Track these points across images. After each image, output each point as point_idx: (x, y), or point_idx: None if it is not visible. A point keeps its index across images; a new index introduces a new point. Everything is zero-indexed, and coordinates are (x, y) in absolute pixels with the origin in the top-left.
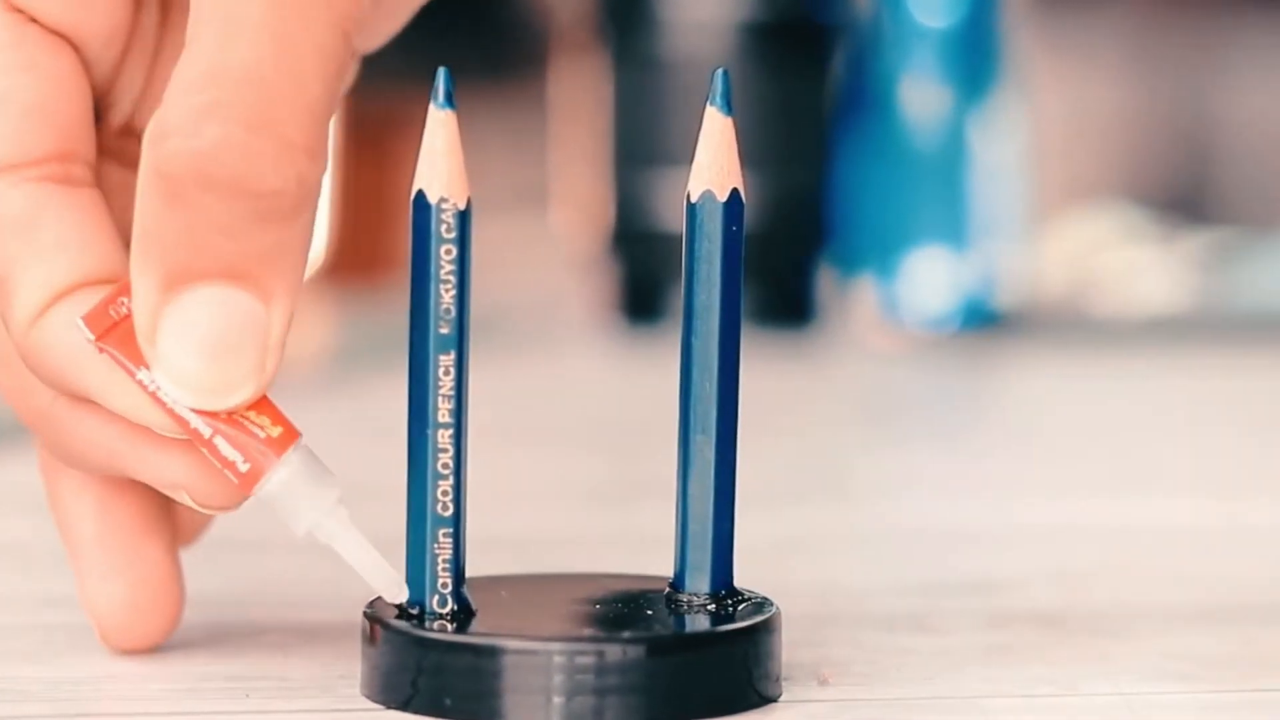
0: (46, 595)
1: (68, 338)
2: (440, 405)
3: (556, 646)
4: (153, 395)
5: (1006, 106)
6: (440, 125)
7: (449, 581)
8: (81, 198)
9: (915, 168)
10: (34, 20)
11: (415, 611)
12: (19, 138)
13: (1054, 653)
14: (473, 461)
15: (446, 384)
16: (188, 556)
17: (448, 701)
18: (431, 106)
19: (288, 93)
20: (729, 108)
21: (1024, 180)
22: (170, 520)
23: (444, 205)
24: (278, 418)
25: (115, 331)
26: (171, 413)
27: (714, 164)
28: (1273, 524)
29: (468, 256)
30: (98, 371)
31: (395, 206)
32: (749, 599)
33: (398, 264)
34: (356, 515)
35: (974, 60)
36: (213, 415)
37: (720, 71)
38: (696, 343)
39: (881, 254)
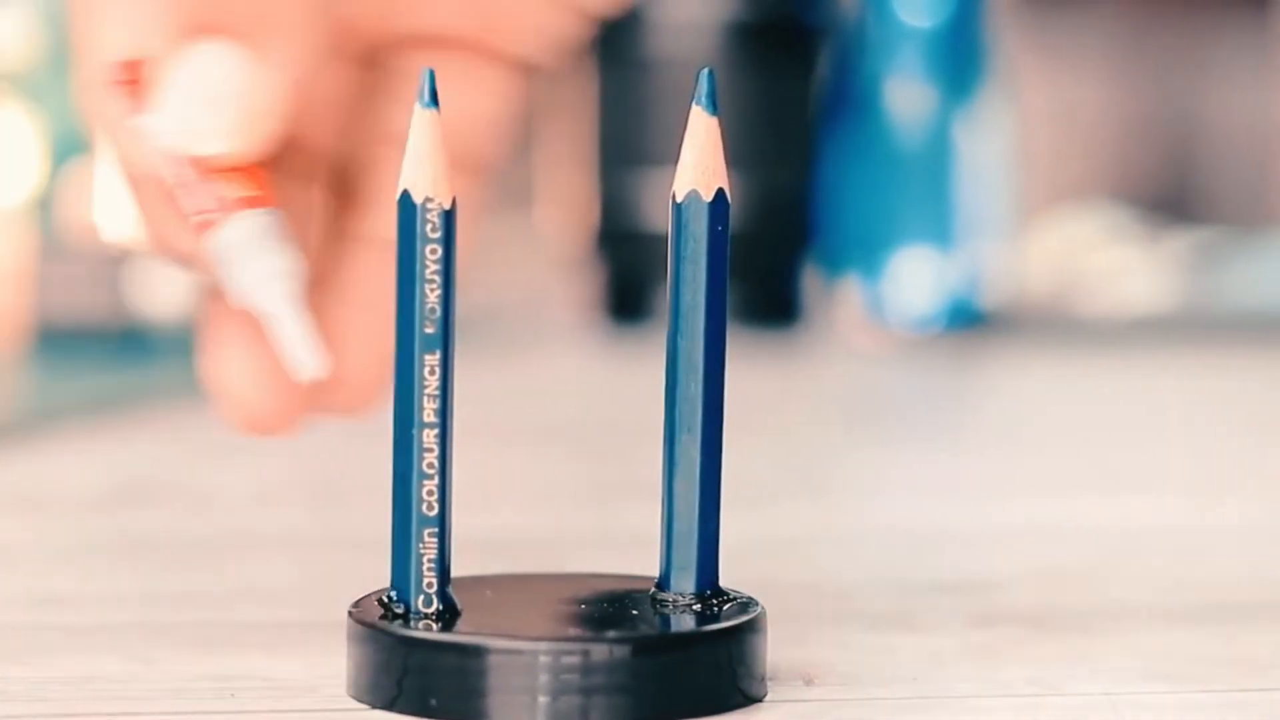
0: (31, 595)
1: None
2: (425, 405)
3: (542, 646)
4: (141, 139)
5: (992, 106)
6: (425, 125)
7: (434, 581)
8: None
9: (900, 168)
10: None
11: (400, 611)
12: None
13: (1038, 652)
14: (458, 461)
15: (432, 384)
16: (174, 556)
17: (433, 701)
18: (416, 106)
19: None
20: (714, 107)
21: (1009, 180)
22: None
23: (429, 205)
24: (260, 185)
25: (135, 84)
26: (160, 156)
27: (699, 164)
28: (1257, 524)
29: (453, 256)
30: (111, 116)
31: None
32: (734, 599)
33: None
34: (341, 514)
35: (959, 60)
36: (190, 166)
37: (705, 71)
38: (682, 342)
39: (867, 254)
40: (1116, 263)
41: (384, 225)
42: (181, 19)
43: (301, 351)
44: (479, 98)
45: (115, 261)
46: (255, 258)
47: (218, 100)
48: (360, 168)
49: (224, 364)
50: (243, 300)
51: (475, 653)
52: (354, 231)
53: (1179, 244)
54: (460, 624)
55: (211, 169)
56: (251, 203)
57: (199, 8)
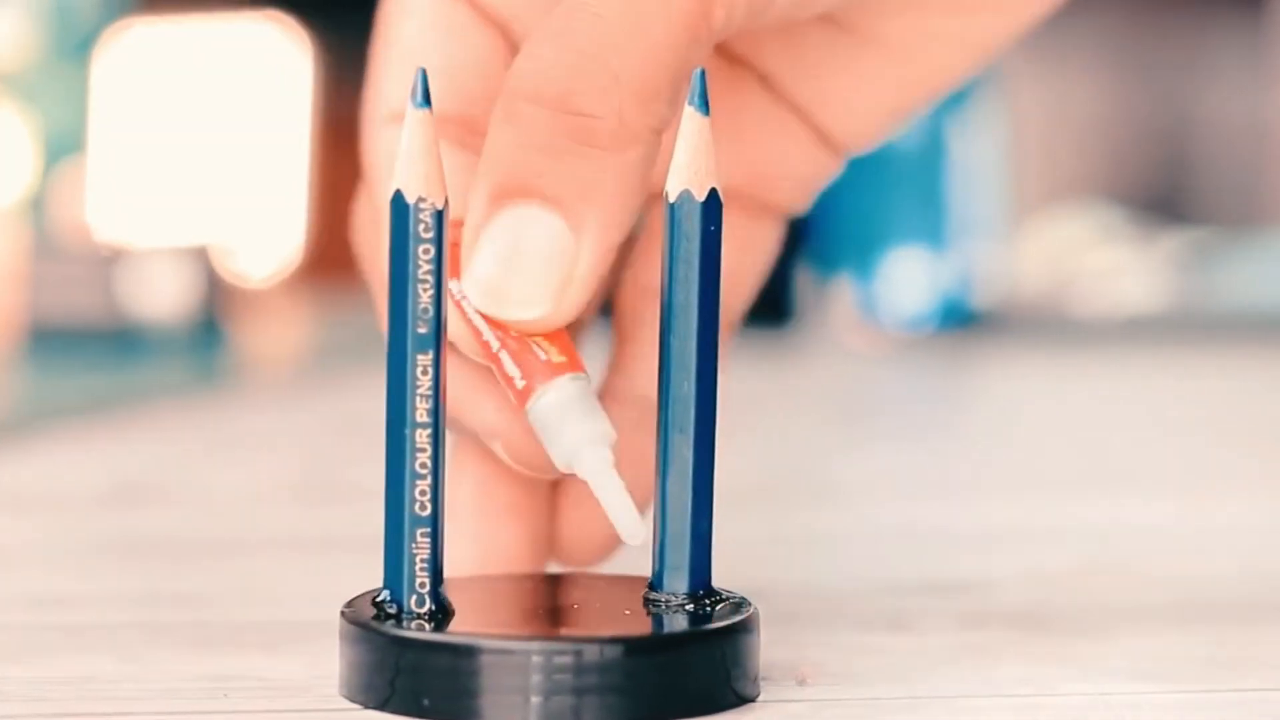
0: (27, 595)
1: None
2: (418, 405)
3: (534, 646)
4: (456, 303)
5: (985, 107)
6: (418, 125)
7: (427, 581)
8: (469, 160)
9: (893, 168)
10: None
11: (393, 611)
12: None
13: (1031, 652)
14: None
15: (424, 383)
16: (168, 556)
17: (426, 701)
18: (409, 106)
19: (626, 34)
20: (706, 107)
21: (1002, 180)
22: (542, 518)
23: (421, 205)
24: (567, 350)
25: (450, 250)
26: (468, 321)
27: (692, 164)
28: (1249, 524)
29: (445, 256)
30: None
31: None
32: (727, 599)
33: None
34: (336, 514)
35: None
36: (504, 331)
37: (698, 71)
38: (675, 342)
39: (859, 254)
40: (1109, 263)
41: (643, 383)
42: (498, 182)
43: (625, 517)
44: (748, 253)
45: (109, 261)
46: (576, 424)
47: (538, 266)
48: (621, 322)
49: (452, 553)
50: (564, 466)
51: (467, 653)
52: (614, 389)
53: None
54: (453, 624)
55: (527, 334)
56: (567, 368)
57: (517, 171)
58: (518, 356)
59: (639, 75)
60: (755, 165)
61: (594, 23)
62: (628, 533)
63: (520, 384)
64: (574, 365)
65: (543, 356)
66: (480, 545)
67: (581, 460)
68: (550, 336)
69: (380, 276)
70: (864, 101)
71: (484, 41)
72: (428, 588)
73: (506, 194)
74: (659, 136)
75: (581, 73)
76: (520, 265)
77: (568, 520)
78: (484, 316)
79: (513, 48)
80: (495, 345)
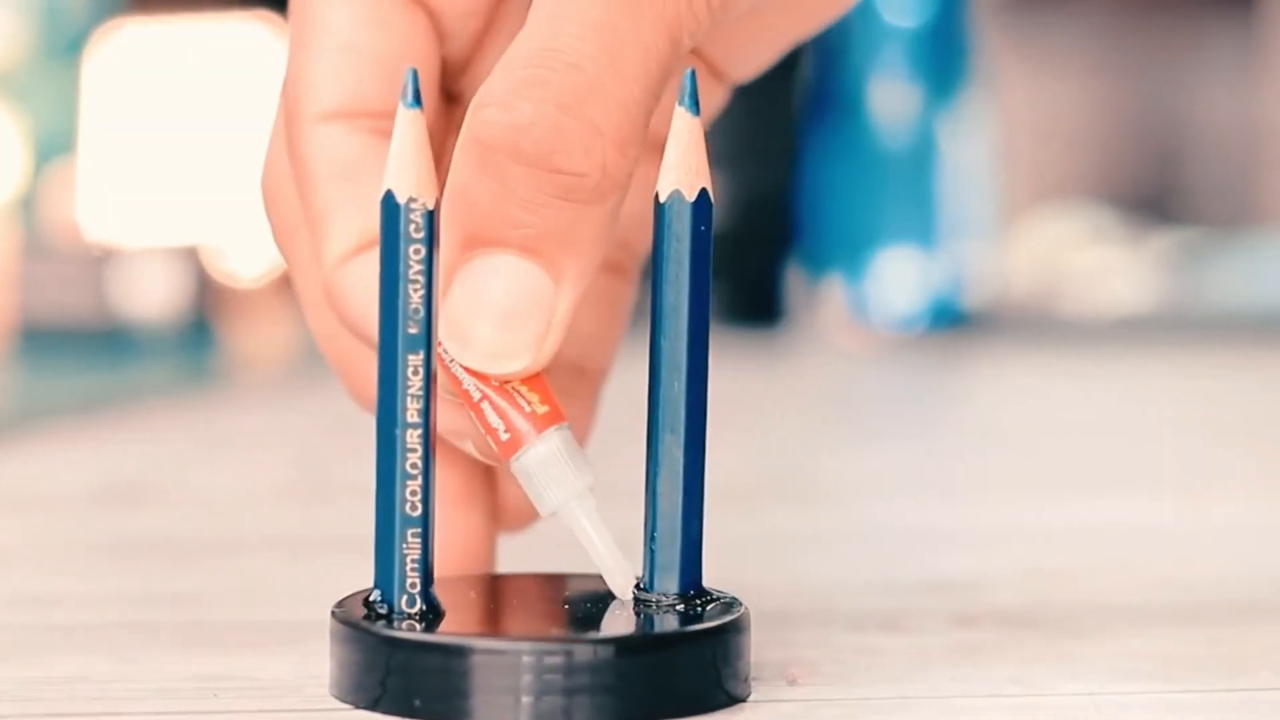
0: (16, 594)
1: (370, 284)
2: (409, 405)
3: (525, 646)
4: (437, 353)
5: (975, 107)
6: (408, 125)
7: (417, 581)
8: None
9: (883, 168)
10: None
11: (383, 611)
12: (361, 87)
13: (1022, 652)
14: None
15: (415, 384)
16: (159, 556)
17: (416, 702)
18: (400, 106)
19: (605, 84)
20: (696, 108)
21: (992, 181)
22: (491, 497)
23: (413, 205)
24: (547, 397)
25: None
26: (447, 370)
27: (682, 164)
28: (1240, 524)
29: (435, 257)
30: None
31: None
32: (717, 599)
33: None
34: (327, 514)
35: (942, 61)
36: (484, 380)
37: (689, 71)
38: (665, 343)
39: (850, 254)
40: (1099, 263)
41: (572, 348)
42: (473, 231)
43: (615, 571)
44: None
45: (99, 261)
46: (561, 479)
47: (520, 318)
48: (604, 378)
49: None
50: (549, 515)
51: (458, 653)
52: None
53: (1161, 244)
54: (444, 624)
55: (507, 384)
56: (550, 419)
57: (493, 221)
58: (499, 408)
59: (620, 126)
60: None
61: (571, 74)
62: (619, 587)
63: (504, 436)
64: (555, 415)
65: (526, 407)
66: (439, 536)
67: (571, 515)
68: (529, 382)
69: (306, 287)
70: (752, 37)
71: (414, 27)
72: (419, 588)
73: (480, 243)
74: (634, 173)
75: (564, 132)
76: (503, 317)
77: (504, 489)
78: (463, 366)
79: (438, 27)
80: (476, 395)
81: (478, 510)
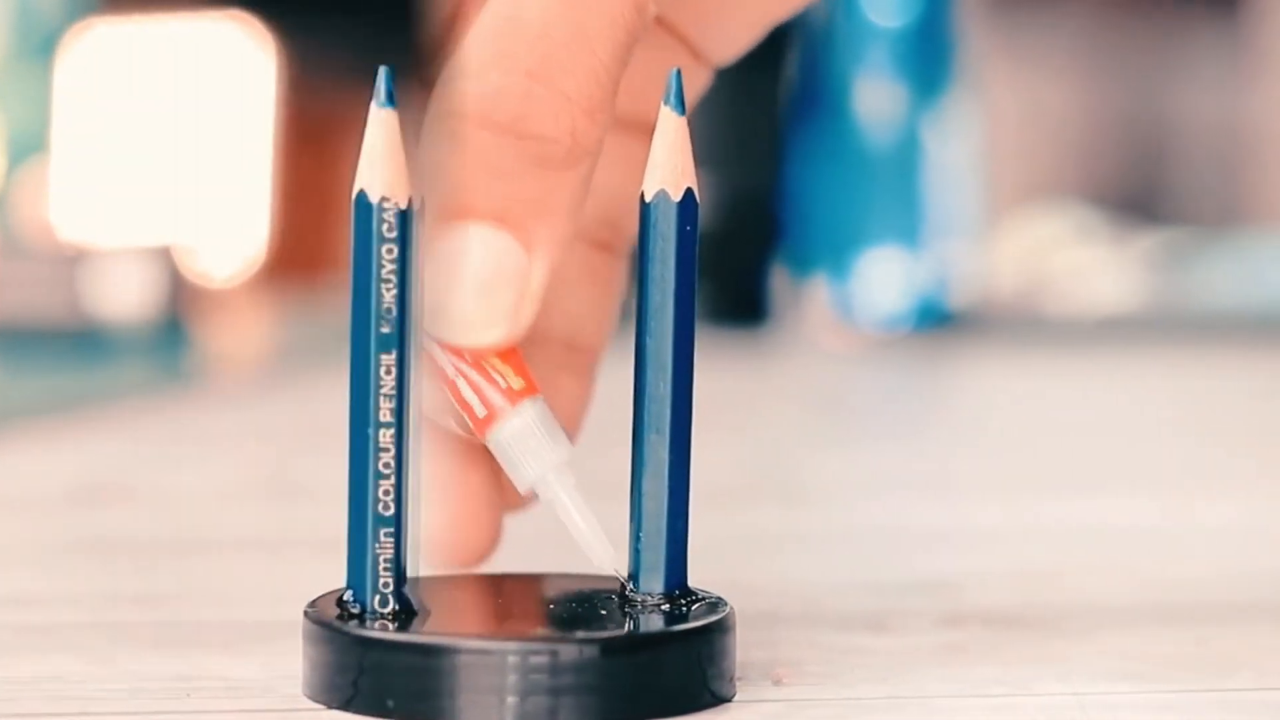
0: None
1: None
2: (382, 404)
3: (510, 646)
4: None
5: (960, 107)
6: (382, 125)
7: (390, 581)
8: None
9: (869, 168)
10: None
11: (356, 611)
12: None
13: (1008, 652)
14: (415, 461)
15: (388, 383)
16: (132, 556)
17: (390, 702)
18: (373, 106)
19: (572, 50)
20: (682, 107)
21: (977, 180)
22: (496, 476)
23: (385, 205)
24: (521, 370)
25: None
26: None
27: (668, 163)
28: (1227, 523)
29: (409, 256)
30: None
31: (337, 205)
32: (703, 598)
33: (339, 263)
34: (300, 513)
35: (928, 61)
36: (458, 355)
37: (674, 71)
38: (650, 342)
39: (835, 254)
40: (1084, 262)
41: (561, 323)
42: (443, 203)
43: (594, 543)
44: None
45: (72, 261)
46: (537, 451)
47: (495, 288)
48: (598, 355)
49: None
50: (527, 490)
51: (443, 652)
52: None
53: (1147, 244)
54: (426, 623)
55: (482, 357)
56: (524, 393)
57: (461, 192)
58: (474, 383)
59: (588, 92)
60: (635, 82)
61: (539, 43)
62: (598, 558)
63: (481, 412)
64: (530, 388)
65: (501, 383)
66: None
67: (547, 488)
68: (503, 356)
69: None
70: (732, 19)
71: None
72: (391, 587)
73: (456, 213)
74: (604, 140)
75: (533, 97)
76: (476, 287)
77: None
78: (439, 342)
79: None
80: (450, 371)
81: (480, 471)
